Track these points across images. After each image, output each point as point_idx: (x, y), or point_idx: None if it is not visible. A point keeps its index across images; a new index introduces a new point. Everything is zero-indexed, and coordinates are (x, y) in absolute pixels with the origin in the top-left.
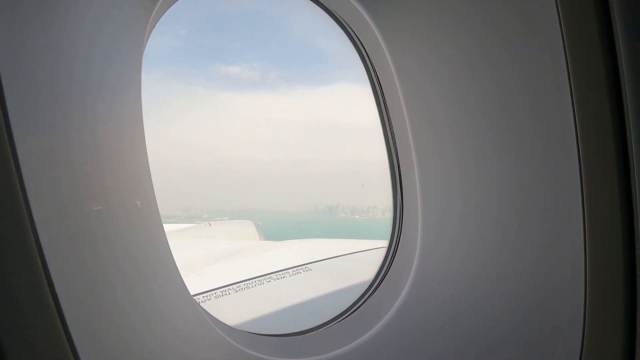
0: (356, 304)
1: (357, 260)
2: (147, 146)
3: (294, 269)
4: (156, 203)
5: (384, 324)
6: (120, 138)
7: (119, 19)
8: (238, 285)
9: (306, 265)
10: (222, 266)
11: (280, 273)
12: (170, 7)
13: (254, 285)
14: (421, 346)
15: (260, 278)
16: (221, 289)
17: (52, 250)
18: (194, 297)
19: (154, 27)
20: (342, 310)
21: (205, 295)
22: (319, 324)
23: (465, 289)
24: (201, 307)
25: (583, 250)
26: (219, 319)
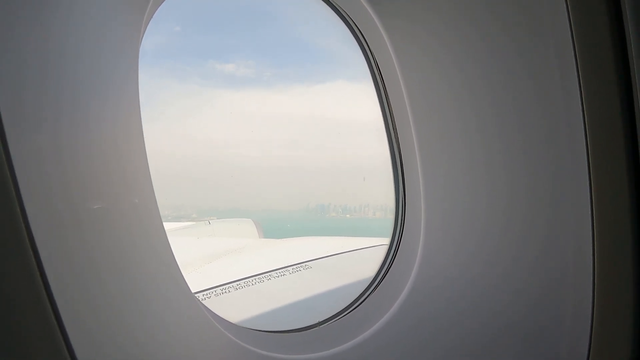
0: (358, 300)
1: (357, 257)
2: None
3: (294, 266)
4: (155, 200)
5: (387, 320)
6: (117, 135)
7: (112, 11)
8: (238, 283)
9: (306, 263)
10: (222, 264)
11: (280, 271)
12: (159, 6)
13: (254, 283)
14: (424, 342)
15: (260, 276)
16: (221, 287)
17: (46, 249)
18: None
19: (150, 18)
20: (344, 306)
21: (205, 293)
22: (320, 320)
23: (469, 285)
24: (203, 305)
25: (591, 242)
26: (221, 316)
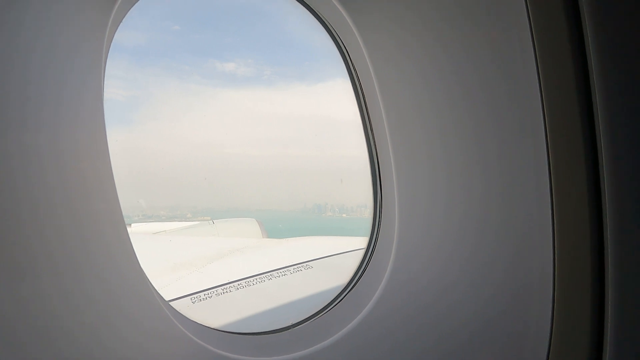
0: (333, 302)
1: (357, 257)
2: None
3: (295, 266)
4: (118, 201)
5: (359, 321)
6: (79, 140)
7: (76, 21)
8: (239, 282)
9: (307, 263)
10: (225, 263)
11: (281, 270)
12: (129, 9)
13: (255, 283)
14: (393, 343)
15: (262, 276)
16: (222, 287)
17: None
18: (189, 297)
19: (116, 27)
20: (318, 309)
21: (206, 292)
22: (294, 322)
23: (442, 288)
24: (168, 306)
25: (552, 255)
26: (188, 316)
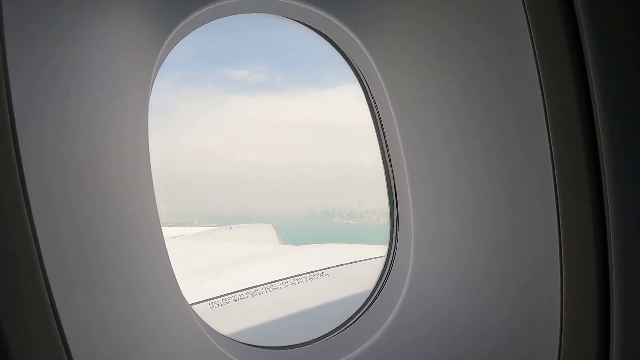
0: (353, 317)
1: (374, 266)
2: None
3: (311, 274)
4: (157, 211)
5: (378, 338)
6: (125, 147)
7: (126, 59)
8: (255, 289)
9: (323, 271)
10: (242, 269)
11: (297, 278)
12: (174, 47)
13: (271, 290)
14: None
15: (277, 283)
16: (239, 293)
17: (51, 252)
18: (208, 302)
19: (160, 66)
20: (339, 324)
21: (224, 298)
22: (315, 337)
23: (452, 311)
24: (198, 317)
25: (559, 278)
26: (215, 328)
